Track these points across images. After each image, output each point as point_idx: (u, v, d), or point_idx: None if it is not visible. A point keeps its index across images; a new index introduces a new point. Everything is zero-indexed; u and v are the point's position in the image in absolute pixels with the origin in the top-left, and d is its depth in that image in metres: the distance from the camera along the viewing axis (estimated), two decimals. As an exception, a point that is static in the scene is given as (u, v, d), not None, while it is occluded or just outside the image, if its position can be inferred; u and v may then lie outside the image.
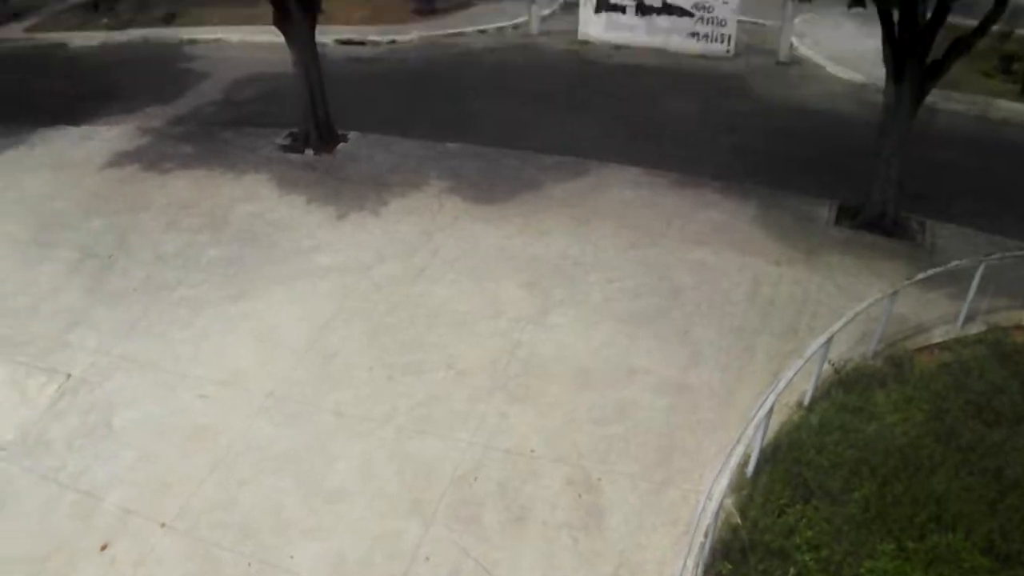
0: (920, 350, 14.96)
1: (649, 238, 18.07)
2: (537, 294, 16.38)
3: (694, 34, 29.30)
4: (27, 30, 35.73)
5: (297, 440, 13.38)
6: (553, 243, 17.90)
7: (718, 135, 23.09)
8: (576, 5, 31.14)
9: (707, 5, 28.92)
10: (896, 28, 17.02)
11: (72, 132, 24.46)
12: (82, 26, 35.30)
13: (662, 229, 18.42)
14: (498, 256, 17.54)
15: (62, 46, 33.37)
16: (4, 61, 32.14)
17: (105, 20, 35.42)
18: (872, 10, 16.64)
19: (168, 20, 34.34)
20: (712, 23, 29.04)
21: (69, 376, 14.92)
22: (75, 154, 23.04)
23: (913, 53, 17.00)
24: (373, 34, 31.43)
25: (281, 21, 21.38)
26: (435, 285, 16.75)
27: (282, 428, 13.64)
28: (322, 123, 22.17)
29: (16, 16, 37.58)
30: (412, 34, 31.56)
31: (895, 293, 14.18)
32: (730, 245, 17.82)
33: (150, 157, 22.43)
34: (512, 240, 18.04)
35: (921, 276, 14.64)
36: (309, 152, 21.95)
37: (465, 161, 21.38)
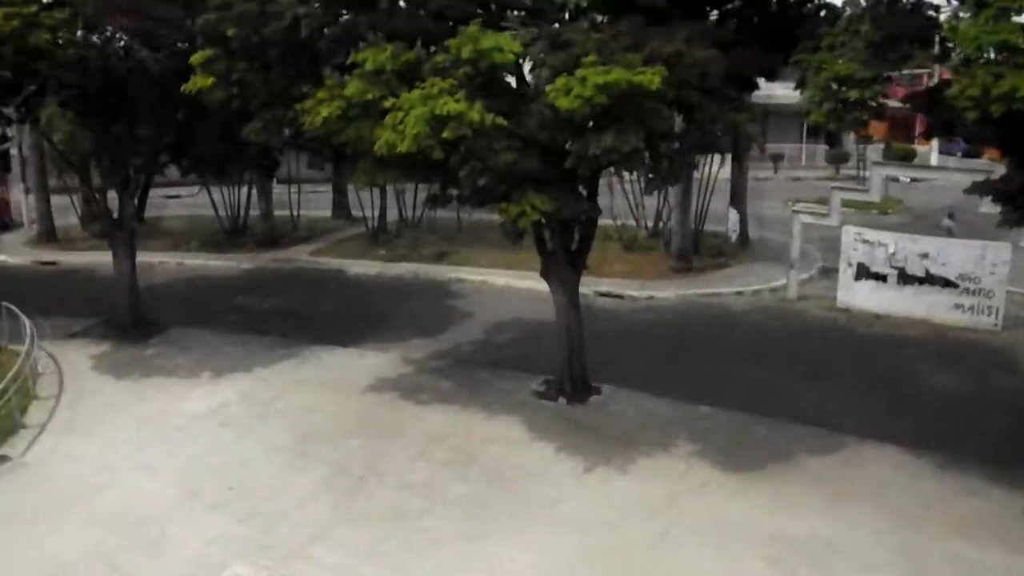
0: None
1: (906, 523, 16.97)
2: (782, 573, 15.62)
3: (959, 305, 28.30)
4: (312, 254, 39.20)
5: None
6: (802, 520, 17.13)
7: (985, 414, 21.81)
8: (835, 270, 31.03)
9: (973, 276, 27.98)
10: None
11: (341, 353, 26.22)
12: (361, 255, 38.38)
13: (920, 515, 17.29)
14: (743, 527, 16.96)
15: (341, 272, 36.25)
16: (289, 280, 35.14)
17: (382, 252, 38.23)
18: None
19: (439, 258, 36.69)
20: (978, 294, 28.02)
21: (307, 588, 15.32)
22: (341, 374, 24.56)
23: None
24: (632, 289, 32.30)
25: (547, 272, 22.36)
26: (675, 552, 16.32)
27: None
28: (577, 374, 22.60)
29: (304, 240, 41.20)
30: (669, 291, 32.18)
31: None
32: (996, 539, 16.44)
33: (410, 386, 23.58)
34: (759, 512, 17.44)
35: None
36: (562, 401, 22.34)
37: (715, 425, 21.15)
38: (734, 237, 38.75)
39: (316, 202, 46.30)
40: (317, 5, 21.02)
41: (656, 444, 20.15)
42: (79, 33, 24.25)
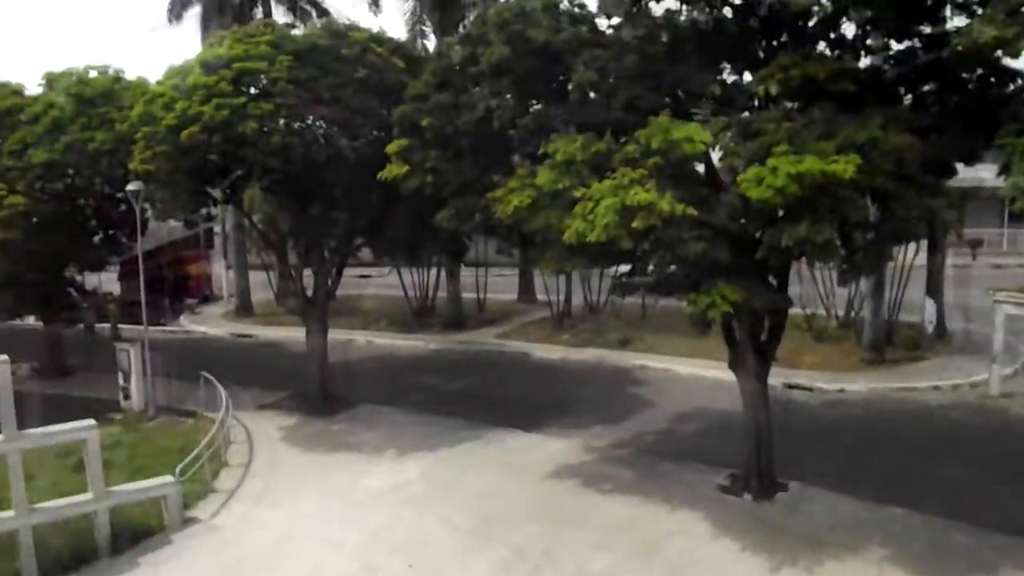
0: None
1: None
2: None
3: None
4: (497, 336, 39.88)
5: None
6: (1009, 641, 15.99)
7: None
8: (1043, 366, 29.26)
9: None
10: None
11: (523, 437, 26.30)
12: (545, 339, 38.69)
13: None
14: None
15: (526, 355, 36.62)
16: (474, 362, 35.73)
17: (567, 336, 38.41)
18: None
19: (623, 344, 36.51)
20: None
21: None
22: (523, 459, 24.56)
23: None
24: (821, 381, 31.18)
25: (735, 362, 21.91)
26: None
27: None
28: (764, 469, 21.82)
29: (490, 323, 41.92)
30: (861, 384, 30.90)
31: None
32: None
33: (591, 474, 23.31)
34: (958, 633, 16.36)
35: None
36: (748, 497, 21.60)
37: (910, 529, 19.89)
38: (931, 328, 37.01)
39: (502, 285, 47.04)
40: (509, 97, 21.55)
41: (846, 547, 19.11)
42: (282, 122, 25.58)
